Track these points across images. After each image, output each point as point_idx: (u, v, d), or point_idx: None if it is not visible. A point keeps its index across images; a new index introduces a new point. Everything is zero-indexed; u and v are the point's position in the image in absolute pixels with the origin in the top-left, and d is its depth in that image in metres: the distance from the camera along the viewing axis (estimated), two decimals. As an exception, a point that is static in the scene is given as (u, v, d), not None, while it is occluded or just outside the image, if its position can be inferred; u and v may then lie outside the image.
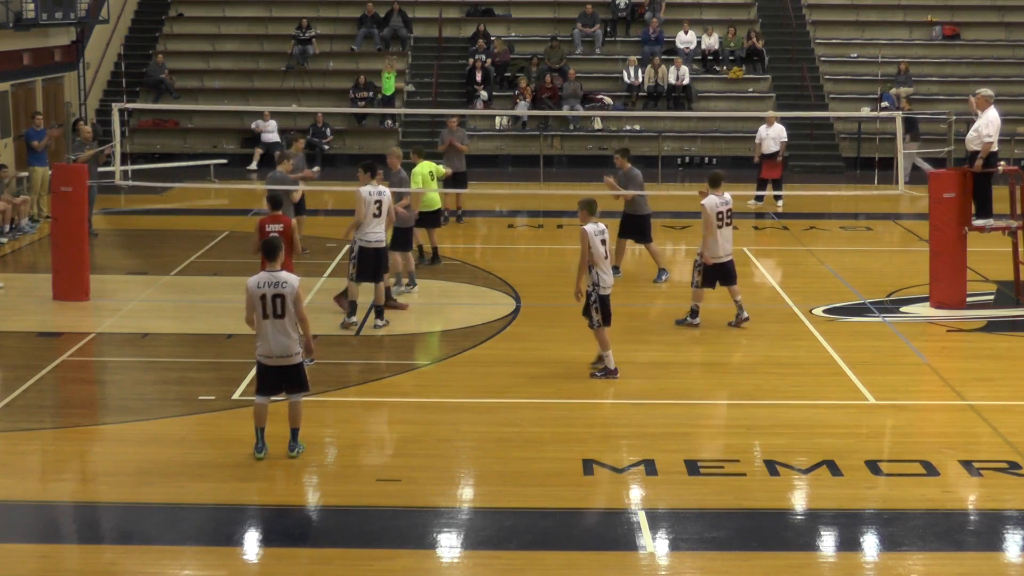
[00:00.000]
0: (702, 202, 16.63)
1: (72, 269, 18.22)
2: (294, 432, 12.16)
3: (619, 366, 14.99)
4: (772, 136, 26.94)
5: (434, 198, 19.73)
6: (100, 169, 22.68)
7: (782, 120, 27.34)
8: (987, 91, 18.12)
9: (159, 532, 10.61)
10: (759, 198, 26.59)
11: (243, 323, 12.29)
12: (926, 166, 30.07)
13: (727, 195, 16.84)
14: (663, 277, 19.72)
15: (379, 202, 16.40)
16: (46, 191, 22.66)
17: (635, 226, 19.58)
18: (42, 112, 27.13)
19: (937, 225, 18.02)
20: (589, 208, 14.64)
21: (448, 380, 14.91)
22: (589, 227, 14.47)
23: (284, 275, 11.92)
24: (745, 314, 16.88)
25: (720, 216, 16.56)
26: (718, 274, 16.79)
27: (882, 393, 14.26)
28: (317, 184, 29.52)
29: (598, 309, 14.61)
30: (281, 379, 12.03)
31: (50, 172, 20.59)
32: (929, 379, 15.05)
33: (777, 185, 26.60)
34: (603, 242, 14.57)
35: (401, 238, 18.20)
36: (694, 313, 16.87)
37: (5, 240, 22.45)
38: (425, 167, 19.90)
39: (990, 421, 13.31)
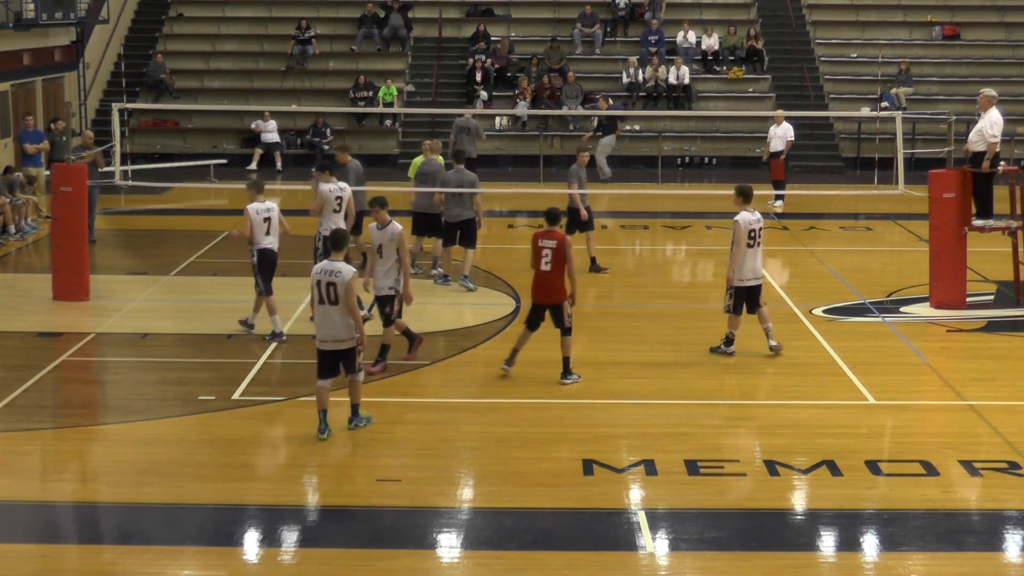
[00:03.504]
0: (735, 218, 15.29)
1: (72, 269, 18.20)
2: (354, 408, 12.83)
3: (619, 366, 15.01)
4: (779, 135, 26.93)
5: None
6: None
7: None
8: (991, 91, 18.11)
9: (159, 532, 10.60)
10: (779, 197, 26.32)
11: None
12: (606, 169, 29.75)
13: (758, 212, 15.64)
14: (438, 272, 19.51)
15: (339, 198, 16.95)
16: (43, 191, 22.64)
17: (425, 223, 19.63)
18: (33, 114, 27.08)
19: (937, 225, 18.01)
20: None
21: (448, 380, 14.91)
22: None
23: (340, 265, 12.54)
24: (774, 342, 15.58)
25: (753, 234, 15.29)
26: (746, 298, 15.44)
27: (882, 393, 14.25)
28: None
29: None
30: (337, 360, 12.66)
31: (46, 173, 20.56)
32: (929, 379, 15.04)
33: (778, 185, 26.53)
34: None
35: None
36: (728, 341, 15.60)
37: (5, 240, 22.45)
38: (418, 162, 19.93)
39: (990, 421, 13.30)
